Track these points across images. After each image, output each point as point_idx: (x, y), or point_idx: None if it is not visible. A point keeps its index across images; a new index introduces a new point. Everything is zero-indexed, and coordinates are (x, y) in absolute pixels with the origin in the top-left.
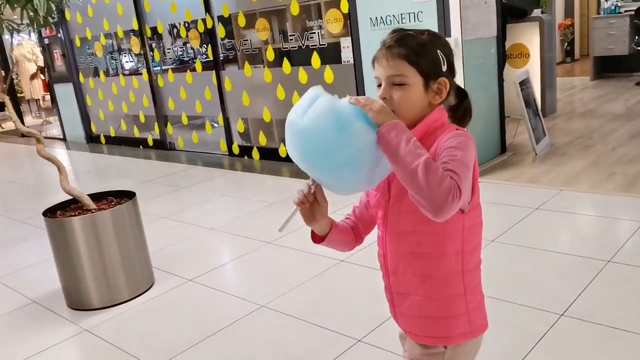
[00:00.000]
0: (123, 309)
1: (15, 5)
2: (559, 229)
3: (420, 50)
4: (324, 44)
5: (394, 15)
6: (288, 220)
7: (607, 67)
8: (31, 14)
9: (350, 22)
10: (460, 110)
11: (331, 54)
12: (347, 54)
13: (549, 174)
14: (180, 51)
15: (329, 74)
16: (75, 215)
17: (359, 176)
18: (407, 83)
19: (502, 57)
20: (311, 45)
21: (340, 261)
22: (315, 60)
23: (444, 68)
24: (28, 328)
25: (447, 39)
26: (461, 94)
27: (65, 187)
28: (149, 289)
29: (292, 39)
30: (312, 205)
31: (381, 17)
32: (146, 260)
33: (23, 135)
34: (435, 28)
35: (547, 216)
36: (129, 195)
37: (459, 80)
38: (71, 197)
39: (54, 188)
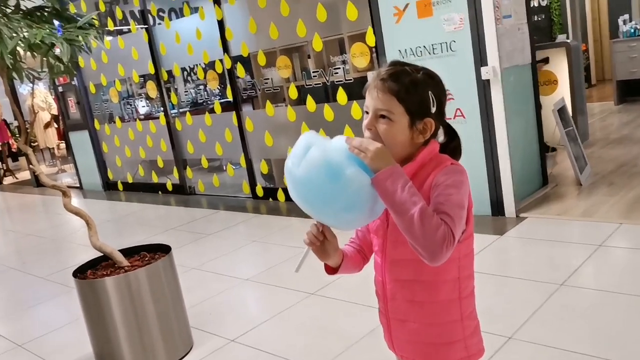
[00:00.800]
0: None
1: (36, 54)
2: (636, 269)
3: (411, 89)
4: (350, 79)
5: (424, 46)
6: (302, 261)
7: (630, 91)
8: (52, 61)
9: (378, 55)
10: (449, 149)
11: (358, 89)
12: None
13: (603, 206)
14: (198, 93)
15: (356, 109)
16: (107, 275)
17: (361, 215)
18: (393, 119)
19: (536, 85)
20: (336, 81)
21: None
22: (341, 96)
23: (433, 109)
24: None
25: (483, 68)
26: (451, 134)
27: (95, 244)
28: (188, 352)
29: (315, 76)
30: (322, 243)
31: (411, 49)
32: (184, 320)
33: (38, 185)
34: (470, 57)
35: (616, 253)
36: (162, 249)
37: (500, 111)
38: (101, 254)
39: (74, 241)
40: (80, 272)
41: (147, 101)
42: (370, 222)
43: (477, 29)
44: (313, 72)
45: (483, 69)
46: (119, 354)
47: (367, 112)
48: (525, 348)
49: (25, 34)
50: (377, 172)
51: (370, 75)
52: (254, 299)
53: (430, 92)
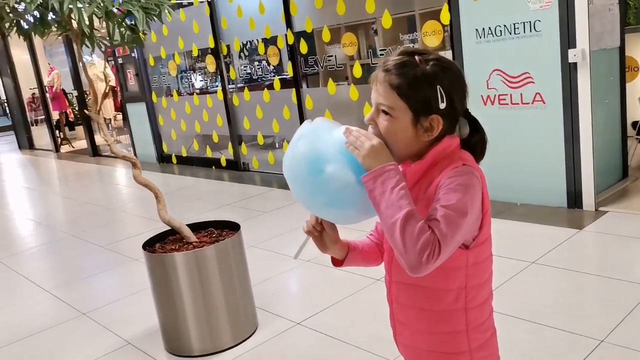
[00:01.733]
0: (227, 358)
1: (112, 22)
2: None
3: (414, 84)
4: None
5: (505, 26)
6: (301, 248)
7: None
8: (123, 30)
9: (452, 34)
10: (471, 144)
11: None
12: None
13: None
14: (258, 69)
15: None
16: (176, 250)
17: (351, 212)
18: (394, 116)
19: (623, 71)
20: None
21: None
22: None
23: (442, 105)
24: None
25: (571, 50)
26: (474, 127)
27: (164, 217)
28: (253, 333)
29: (382, 54)
30: (321, 233)
31: (489, 28)
32: (250, 300)
33: (94, 155)
34: (556, 38)
35: None
36: (230, 227)
37: (585, 97)
38: (168, 228)
39: (130, 212)
40: (148, 245)
41: (206, 75)
42: (370, 218)
43: (567, 8)
44: (380, 50)
45: (570, 52)
46: (185, 329)
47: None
48: (617, 353)
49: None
50: (369, 170)
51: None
52: (317, 282)
53: (439, 87)
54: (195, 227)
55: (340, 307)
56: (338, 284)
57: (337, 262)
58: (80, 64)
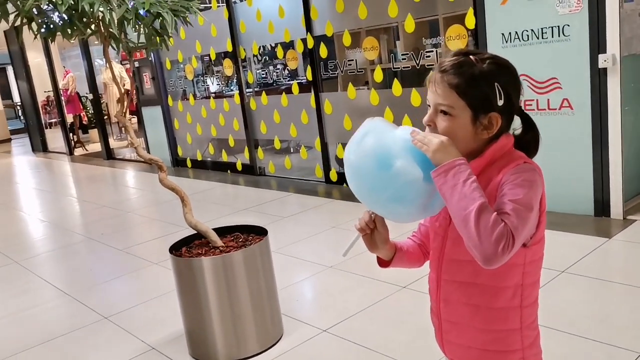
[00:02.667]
0: None
1: (140, 24)
2: None
3: (473, 82)
4: None
5: (532, 30)
6: (351, 246)
7: None
8: (149, 32)
9: (478, 38)
10: (524, 141)
11: None
12: None
13: None
14: (276, 73)
15: None
16: (203, 254)
17: (411, 209)
18: (454, 114)
19: None
20: (427, 65)
21: None
22: None
23: (500, 102)
24: None
25: (601, 55)
26: (527, 124)
27: (190, 221)
28: (279, 340)
29: (404, 59)
30: (372, 232)
31: (516, 33)
32: (276, 307)
33: (108, 158)
34: (585, 43)
35: None
36: (256, 231)
37: (615, 103)
38: (193, 232)
39: (147, 215)
40: (174, 249)
41: (223, 79)
42: (426, 218)
43: (597, 12)
44: (402, 54)
45: (601, 57)
46: (211, 335)
47: (430, 106)
48: None
49: (133, 2)
50: (439, 164)
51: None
52: (342, 288)
53: (496, 84)
54: (220, 232)
55: (366, 314)
56: (363, 290)
57: (383, 263)
58: (107, 66)
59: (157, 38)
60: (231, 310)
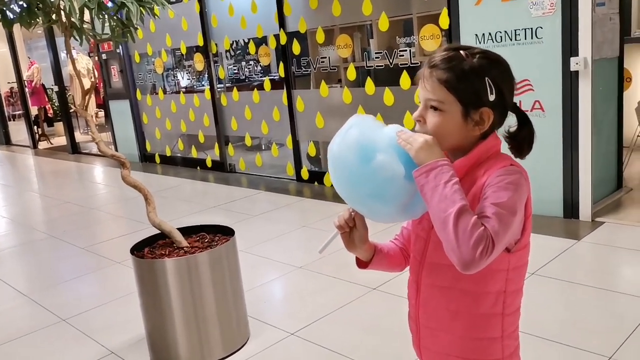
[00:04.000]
0: None
1: (103, 14)
2: None
3: (463, 76)
4: (416, 63)
5: (505, 32)
6: (328, 243)
7: None
8: (113, 24)
9: (451, 38)
10: (519, 138)
11: None
12: None
13: None
14: (248, 69)
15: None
16: (166, 255)
17: (391, 209)
18: (444, 110)
19: (622, 81)
20: (400, 64)
21: None
22: (405, 80)
23: (492, 97)
24: None
25: (573, 58)
26: (522, 120)
27: (154, 221)
28: (244, 344)
29: (377, 57)
30: (351, 230)
31: (490, 34)
32: (243, 310)
33: (74, 152)
34: (558, 46)
35: None
36: (223, 231)
37: (586, 106)
38: (156, 231)
39: (112, 212)
40: (136, 250)
41: (194, 74)
42: (407, 220)
43: (570, 15)
44: (376, 53)
45: (573, 60)
46: (174, 339)
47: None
48: None
49: None
50: (422, 164)
51: None
52: (311, 290)
53: (487, 79)
54: (186, 232)
55: (335, 316)
56: (333, 292)
57: (361, 264)
58: (68, 57)
59: (122, 29)
60: (195, 313)
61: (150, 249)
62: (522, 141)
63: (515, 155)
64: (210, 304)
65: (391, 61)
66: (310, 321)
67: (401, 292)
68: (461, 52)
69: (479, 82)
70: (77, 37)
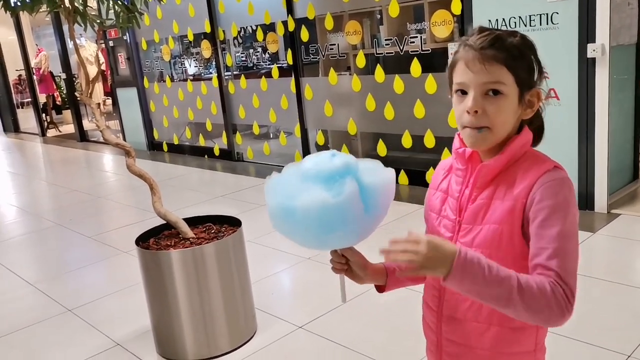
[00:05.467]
0: None
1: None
2: None
3: (517, 54)
4: (427, 50)
5: (520, 17)
6: (343, 289)
7: None
8: (118, 9)
9: (463, 24)
10: (534, 125)
11: (435, 61)
12: None
13: None
14: (256, 56)
15: (431, 83)
16: (172, 246)
17: (349, 228)
18: (504, 92)
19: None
20: (411, 51)
21: None
22: (415, 67)
23: (536, 75)
24: None
25: (590, 45)
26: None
27: (159, 211)
28: (251, 337)
29: (387, 44)
30: (350, 266)
31: (503, 20)
32: (250, 302)
33: (82, 140)
34: (574, 32)
35: None
36: (230, 222)
37: (603, 94)
38: (163, 221)
39: (120, 201)
40: (141, 240)
41: (201, 61)
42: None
43: (587, 1)
44: (386, 39)
45: (590, 46)
46: (180, 332)
47: (463, 92)
48: None
49: None
50: (437, 268)
51: (453, 47)
52: (320, 282)
53: (532, 57)
54: (192, 222)
55: (345, 310)
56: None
57: (381, 289)
58: (72, 44)
59: (128, 15)
60: (201, 306)
61: (155, 239)
62: (534, 131)
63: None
64: (217, 296)
65: (401, 48)
66: (318, 314)
67: (414, 287)
68: (502, 32)
69: (530, 60)
70: (81, 23)
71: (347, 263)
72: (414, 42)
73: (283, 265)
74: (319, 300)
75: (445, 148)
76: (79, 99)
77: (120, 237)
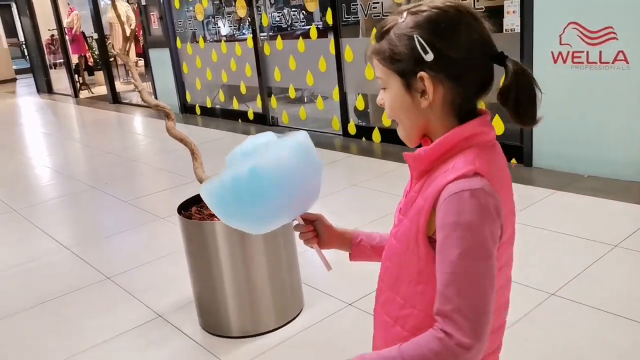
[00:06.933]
0: (270, 342)
1: None
2: None
3: (391, 42)
4: (481, 8)
5: None
6: (323, 258)
7: None
8: None
9: None
10: (511, 95)
11: (489, 20)
12: (512, 20)
13: None
14: (293, 16)
15: None
16: (215, 216)
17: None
18: (387, 86)
19: None
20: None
21: None
22: None
23: (428, 57)
24: (159, 355)
25: None
26: (512, 72)
27: (200, 177)
28: (298, 314)
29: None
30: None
31: None
32: (297, 277)
33: (114, 102)
34: None
35: None
36: None
37: None
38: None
39: (153, 164)
40: (183, 209)
41: (236, 21)
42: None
43: None
44: None
45: None
46: (224, 306)
47: None
48: None
49: None
50: None
51: (509, 4)
52: None
53: (415, 37)
54: None
55: None
56: None
57: (350, 257)
58: (112, 3)
59: None
60: (247, 279)
61: (197, 208)
62: (517, 99)
63: (519, 123)
64: (263, 269)
65: None
66: (368, 291)
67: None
68: (404, 12)
69: (406, 41)
70: None
71: (314, 231)
72: (466, 0)
73: None
74: (370, 275)
75: None
76: (113, 59)
77: (157, 203)
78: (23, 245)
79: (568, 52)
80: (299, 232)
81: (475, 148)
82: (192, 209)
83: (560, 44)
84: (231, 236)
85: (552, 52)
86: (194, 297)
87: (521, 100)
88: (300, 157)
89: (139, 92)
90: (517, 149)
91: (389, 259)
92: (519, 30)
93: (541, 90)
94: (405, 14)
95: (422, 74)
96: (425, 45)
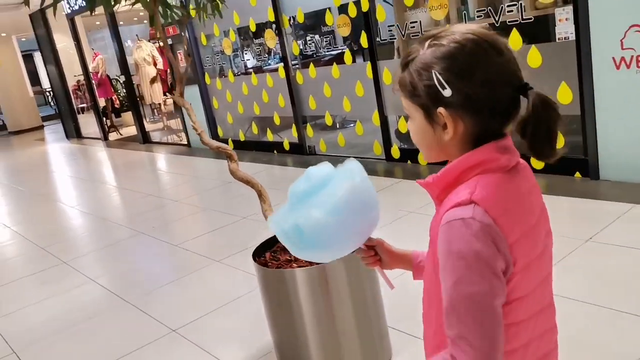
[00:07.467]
0: None
1: None
2: None
3: (411, 75)
4: (529, 18)
5: None
6: (385, 278)
7: None
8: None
9: None
10: (529, 130)
11: (538, 30)
12: (564, 28)
13: None
14: (325, 41)
15: (534, 55)
16: (294, 261)
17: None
18: (411, 116)
19: None
20: (509, 21)
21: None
22: (515, 39)
23: (446, 93)
24: None
25: None
26: (535, 105)
27: None
28: None
29: (479, 16)
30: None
31: None
32: (383, 321)
33: (145, 141)
34: None
35: None
36: None
37: None
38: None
39: (197, 204)
40: (257, 255)
41: (265, 52)
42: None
43: None
44: (477, 11)
45: None
46: (307, 355)
47: None
48: None
49: None
50: None
51: (560, 12)
52: None
53: (434, 72)
54: None
55: None
56: None
57: (413, 276)
58: (158, 32)
59: (211, 2)
60: (332, 328)
61: (271, 253)
62: (534, 134)
63: (535, 157)
64: (349, 316)
65: (497, 19)
66: None
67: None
68: (426, 42)
69: (426, 78)
70: (164, 15)
71: (376, 253)
72: (512, 10)
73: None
74: None
75: None
76: (172, 98)
77: (207, 245)
78: (78, 301)
79: (632, 56)
80: (360, 253)
81: (483, 175)
82: (267, 254)
83: (622, 48)
84: (313, 284)
85: (613, 58)
86: (274, 348)
87: (538, 136)
88: (359, 194)
89: (199, 134)
90: (581, 162)
91: (425, 278)
92: (574, 38)
93: (564, 124)
94: (426, 44)
95: (441, 110)
96: (443, 82)
